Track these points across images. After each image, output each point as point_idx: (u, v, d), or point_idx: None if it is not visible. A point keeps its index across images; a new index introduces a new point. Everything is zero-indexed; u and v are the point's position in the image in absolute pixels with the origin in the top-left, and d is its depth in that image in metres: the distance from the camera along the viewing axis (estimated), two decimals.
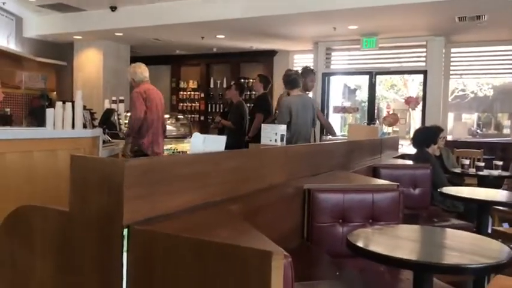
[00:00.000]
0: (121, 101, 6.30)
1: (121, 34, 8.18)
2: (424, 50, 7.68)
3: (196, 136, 2.08)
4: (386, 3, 5.72)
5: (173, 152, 5.89)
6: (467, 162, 4.59)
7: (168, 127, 5.66)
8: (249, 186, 1.92)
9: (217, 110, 9.80)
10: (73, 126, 4.09)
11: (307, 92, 5.20)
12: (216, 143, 2.06)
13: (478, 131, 10.33)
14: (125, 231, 1.25)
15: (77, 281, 1.34)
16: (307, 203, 2.41)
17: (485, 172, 4.51)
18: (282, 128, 3.00)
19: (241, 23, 6.91)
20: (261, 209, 1.96)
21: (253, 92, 8.44)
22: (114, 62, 9.01)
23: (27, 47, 8.55)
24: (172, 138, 6.12)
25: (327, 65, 8.46)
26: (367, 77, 8.25)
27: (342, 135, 6.71)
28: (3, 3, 7.61)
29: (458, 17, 6.17)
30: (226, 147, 2.14)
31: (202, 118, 10.21)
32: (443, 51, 7.70)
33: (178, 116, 7.58)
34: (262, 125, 3.36)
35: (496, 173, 4.53)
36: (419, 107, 7.68)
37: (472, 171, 4.59)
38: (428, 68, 7.60)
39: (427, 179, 3.73)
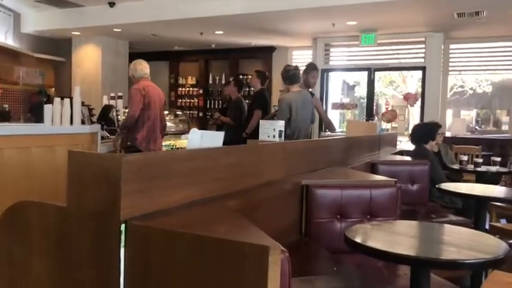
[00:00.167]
0: (119, 97, 6.28)
1: (119, 30, 8.16)
2: (423, 46, 7.67)
3: (194, 132, 2.08)
4: None
5: (172, 148, 5.88)
6: (465, 158, 4.60)
7: (167, 123, 5.65)
8: (247, 182, 1.92)
9: (216, 106, 9.79)
10: (71, 122, 4.09)
11: (310, 89, 5.17)
12: (214, 139, 2.06)
13: (477, 127, 10.33)
14: (123, 227, 1.25)
15: (74, 276, 1.34)
16: (305, 199, 2.41)
17: (483, 168, 4.52)
18: (280, 124, 2.99)
19: (240, 19, 6.90)
20: (259, 205, 1.96)
21: (252, 88, 8.43)
22: (112, 58, 8.99)
23: (25, 43, 8.53)
24: (171, 135, 6.12)
25: (326, 61, 8.46)
26: (365, 73, 8.24)
27: (341, 132, 6.71)
28: None
29: (457, 13, 6.17)
30: (225, 143, 2.14)
31: (201, 114, 10.20)
32: (442, 47, 7.70)
33: (177, 112, 7.57)
34: (261, 121, 3.34)
35: (493, 169, 4.53)
36: (418, 103, 7.68)
37: (470, 167, 4.60)
38: (427, 64, 7.60)
39: (425, 175, 3.74)
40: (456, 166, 4.62)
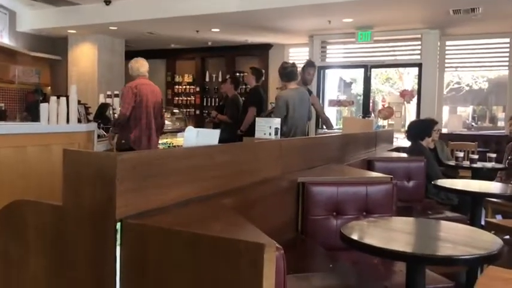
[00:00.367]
0: (116, 95, 6.26)
1: (115, 28, 8.13)
2: (419, 43, 7.68)
3: (190, 130, 2.08)
4: None
5: (168, 146, 5.88)
6: (461, 154, 4.61)
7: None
8: (243, 180, 1.92)
9: (213, 104, 9.79)
10: (67, 121, 4.09)
11: (308, 87, 5.17)
12: (210, 136, 2.06)
13: (473, 123, 10.36)
14: (118, 225, 1.25)
15: (70, 275, 1.34)
16: (301, 196, 2.42)
17: (479, 164, 4.54)
18: (276, 122, 3.00)
19: (236, 17, 6.89)
20: (255, 203, 1.96)
21: (248, 86, 8.43)
22: (108, 56, 8.96)
23: (20, 42, 8.49)
24: (167, 133, 6.11)
25: (322, 58, 8.46)
26: (362, 70, 8.25)
27: (338, 129, 6.72)
28: None
29: (453, 10, 6.17)
30: (221, 141, 2.14)
31: (197, 112, 10.19)
32: (438, 44, 7.71)
33: (174, 110, 7.57)
34: (257, 118, 3.34)
35: (489, 165, 4.55)
36: (415, 100, 7.70)
37: (466, 163, 4.61)
38: (423, 61, 7.61)
39: (421, 172, 3.75)
40: (452, 162, 4.64)
